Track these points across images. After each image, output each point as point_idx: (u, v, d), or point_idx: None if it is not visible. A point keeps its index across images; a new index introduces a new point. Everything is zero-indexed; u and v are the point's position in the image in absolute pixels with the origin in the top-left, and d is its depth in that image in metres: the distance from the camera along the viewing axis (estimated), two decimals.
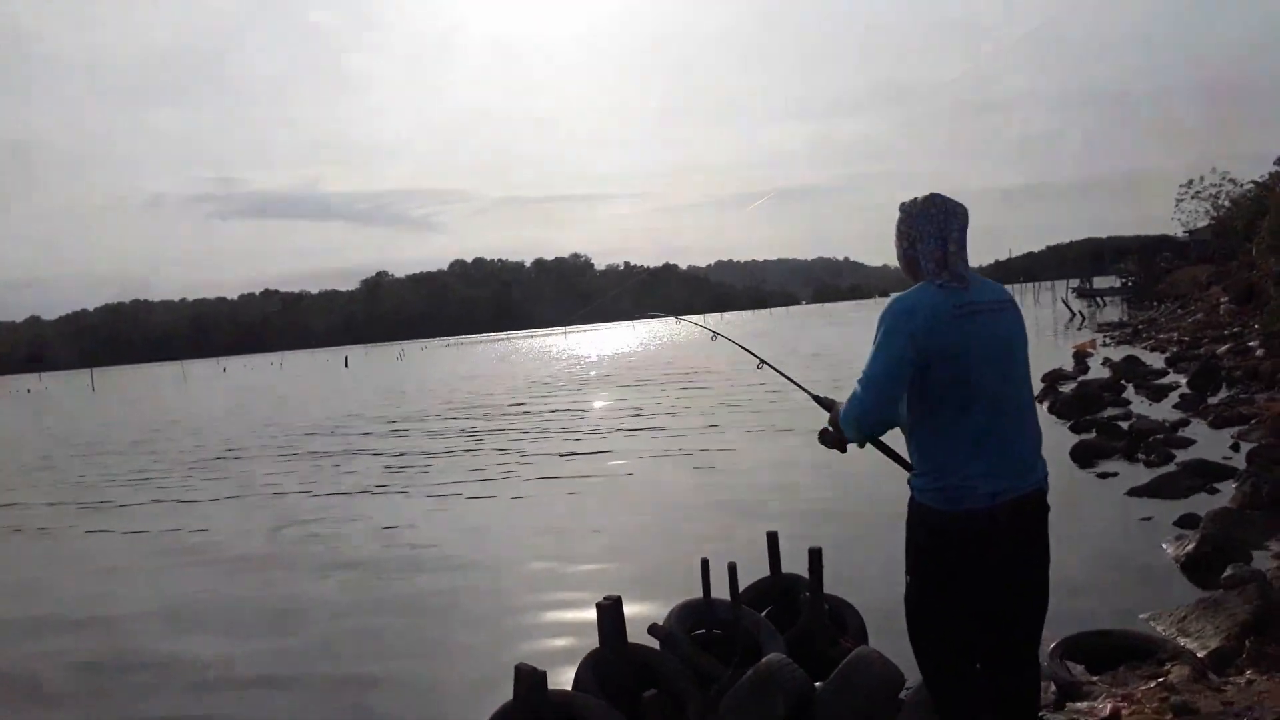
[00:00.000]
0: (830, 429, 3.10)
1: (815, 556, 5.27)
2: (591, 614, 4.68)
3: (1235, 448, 10.74)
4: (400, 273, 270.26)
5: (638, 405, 23.08)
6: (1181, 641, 5.09)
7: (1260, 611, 5.03)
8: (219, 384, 65.36)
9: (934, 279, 2.75)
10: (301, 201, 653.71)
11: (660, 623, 5.01)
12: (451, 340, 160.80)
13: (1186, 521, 7.61)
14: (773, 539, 5.65)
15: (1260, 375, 15.96)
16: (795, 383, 3.54)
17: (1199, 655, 4.75)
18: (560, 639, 6.38)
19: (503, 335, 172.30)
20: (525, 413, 23.50)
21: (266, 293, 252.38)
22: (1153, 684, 4.41)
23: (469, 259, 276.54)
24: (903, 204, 2.92)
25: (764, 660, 4.30)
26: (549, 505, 11.35)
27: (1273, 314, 22.99)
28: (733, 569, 4.98)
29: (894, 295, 2.83)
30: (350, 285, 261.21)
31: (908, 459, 2.98)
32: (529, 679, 3.99)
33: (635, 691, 4.45)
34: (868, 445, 3.01)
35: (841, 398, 3.05)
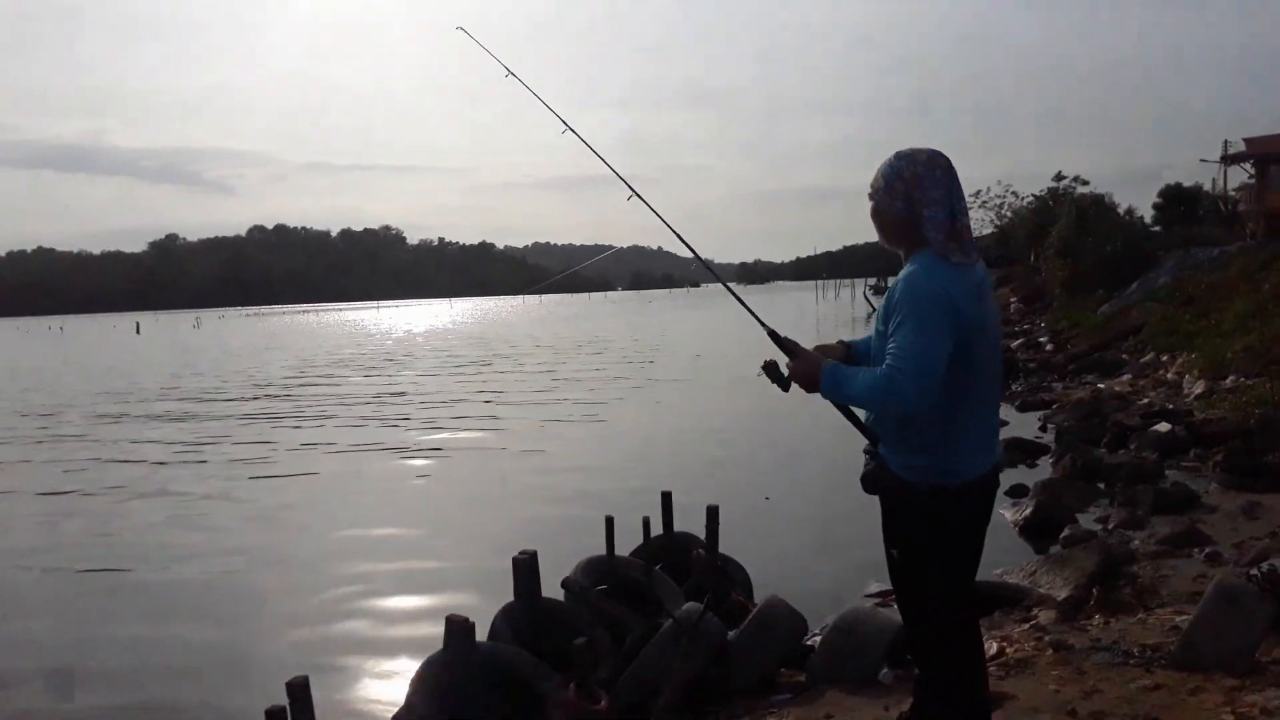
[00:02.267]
0: (784, 370, 2.84)
1: (712, 514, 5.44)
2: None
3: (1044, 428, 11.83)
4: (193, 237, 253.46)
5: (488, 380, 22.80)
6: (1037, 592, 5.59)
7: (1102, 564, 5.61)
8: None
9: (946, 254, 2.58)
10: (83, 155, 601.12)
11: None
12: (251, 310, 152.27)
13: (1017, 491, 8.32)
14: (667, 499, 5.78)
15: (1053, 366, 17.59)
16: (756, 317, 3.28)
17: (1059, 601, 5.24)
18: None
19: (308, 307, 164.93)
20: (393, 388, 22.73)
21: (40, 250, 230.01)
22: (1026, 626, 4.85)
23: (270, 225, 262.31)
24: (901, 154, 2.67)
25: (684, 609, 4.41)
26: (454, 474, 11.23)
27: (1057, 313, 25.37)
28: (646, 523, 5.06)
29: (911, 273, 2.59)
30: (137, 247, 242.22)
31: (868, 428, 2.82)
32: (460, 628, 3.94)
33: (548, 642, 4.49)
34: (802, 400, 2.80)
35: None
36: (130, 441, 14.58)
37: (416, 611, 6.34)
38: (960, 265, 2.60)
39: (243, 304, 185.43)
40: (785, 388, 2.88)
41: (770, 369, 2.89)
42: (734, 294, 3.46)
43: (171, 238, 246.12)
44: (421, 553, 7.84)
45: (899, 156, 2.68)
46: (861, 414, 2.87)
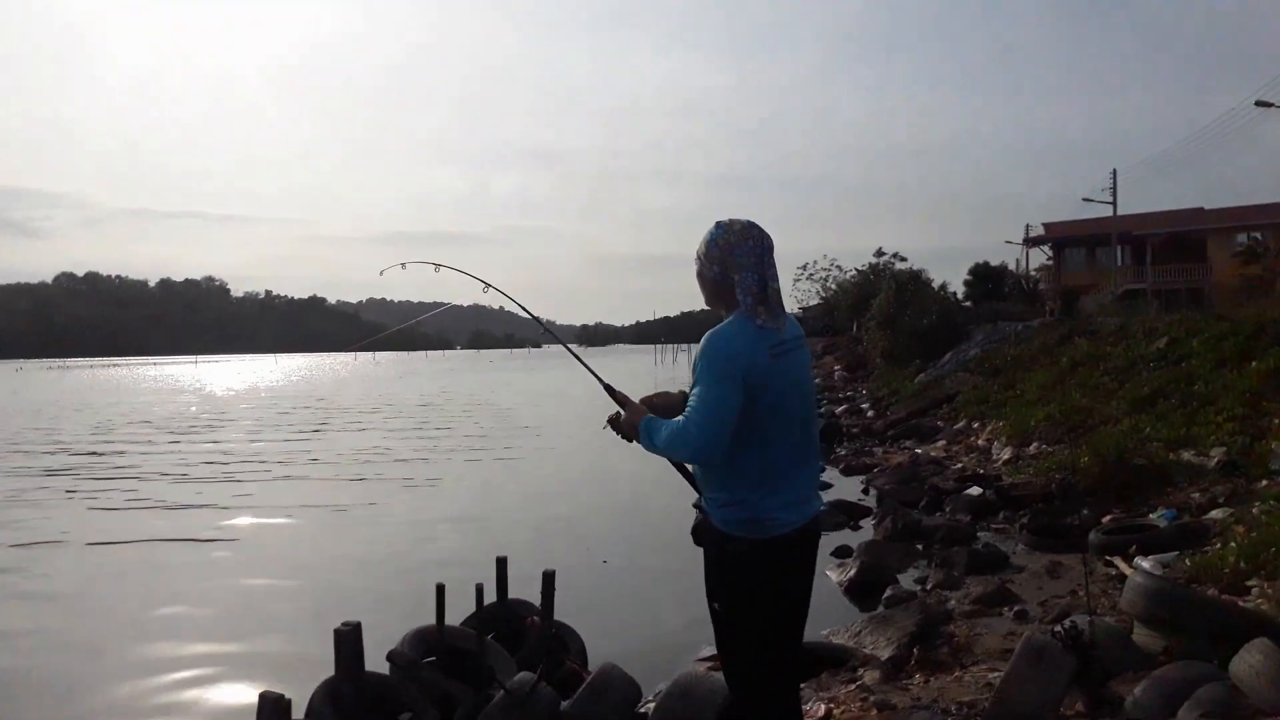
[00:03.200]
0: (621, 424, 2.99)
1: (548, 580, 5.33)
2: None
3: (866, 491, 12.33)
4: None
5: (312, 443, 21.79)
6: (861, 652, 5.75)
7: (922, 624, 5.84)
8: None
9: (751, 316, 2.74)
10: None
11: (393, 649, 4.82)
12: (55, 363, 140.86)
13: (841, 552, 8.60)
14: (501, 565, 5.65)
15: (874, 432, 18.43)
16: (593, 372, 3.45)
17: (882, 660, 5.40)
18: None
19: (118, 361, 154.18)
20: (228, 449, 21.28)
21: None
22: (852, 687, 4.97)
23: (80, 273, 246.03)
24: (720, 223, 2.85)
25: (516, 679, 4.29)
26: (270, 548, 10.43)
27: (878, 381, 26.71)
28: (479, 591, 4.92)
29: (711, 332, 2.76)
30: None
31: (695, 481, 2.96)
32: (273, 706, 3.69)
33: (373, 718, 4.27)
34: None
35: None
36: None
37: (228, 696, 5.76)
38: (765, 328, 2.74)
39: (47, 356, 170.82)
40: (628, 438, 3.02)
41: (613, 422, 3.06)
42: (572, 352, 3.59)
43: None
44: (233, 634, 7.03)
45: (718, 226, 2.88)
46: (693, 467, 2.96)
